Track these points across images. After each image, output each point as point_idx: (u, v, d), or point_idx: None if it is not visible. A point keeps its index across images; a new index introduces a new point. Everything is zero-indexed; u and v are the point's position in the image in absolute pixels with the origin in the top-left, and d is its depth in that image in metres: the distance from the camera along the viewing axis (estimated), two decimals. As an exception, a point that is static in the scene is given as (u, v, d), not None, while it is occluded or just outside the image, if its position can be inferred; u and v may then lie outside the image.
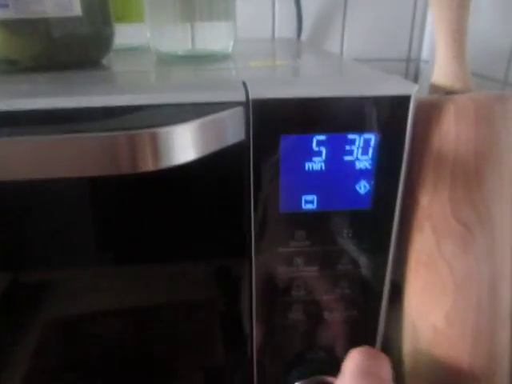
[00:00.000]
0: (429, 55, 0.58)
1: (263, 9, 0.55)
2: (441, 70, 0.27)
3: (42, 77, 0.28)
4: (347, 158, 0.24)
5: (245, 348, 0.30)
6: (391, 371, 0.22)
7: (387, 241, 0.27)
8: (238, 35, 0.39)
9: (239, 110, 0.23)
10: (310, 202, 0.25)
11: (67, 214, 0.27)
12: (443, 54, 0.26)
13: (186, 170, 0.22)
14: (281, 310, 0.29)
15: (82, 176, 0.21)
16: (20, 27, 0.28)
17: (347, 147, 0.24)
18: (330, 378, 0.29)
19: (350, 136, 0.24)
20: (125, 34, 0.40)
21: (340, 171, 0.25)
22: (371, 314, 0.29)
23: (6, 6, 0.26)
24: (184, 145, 0.21)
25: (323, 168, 0.25)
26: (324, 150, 0.24)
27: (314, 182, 0.25)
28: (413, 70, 0.61)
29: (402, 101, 0.23)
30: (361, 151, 0.24)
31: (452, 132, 0.24)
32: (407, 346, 0.29)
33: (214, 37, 0.35)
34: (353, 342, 0.30)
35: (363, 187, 0.25)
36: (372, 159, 0.25)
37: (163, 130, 0.20)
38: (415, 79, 0.61)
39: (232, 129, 0.23)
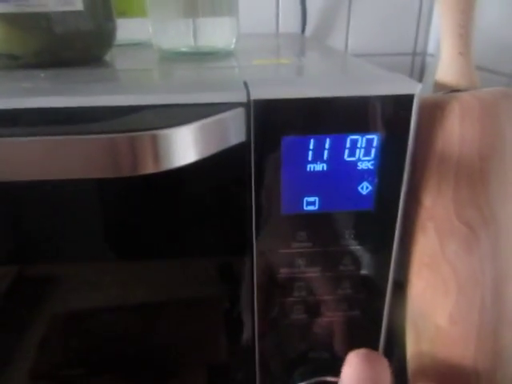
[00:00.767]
0: (435, 49, 0.57)
1: (267, 4, 0.55)
2: (446, 67, 0.26)
3: (44, 73, 0.28)
4: (349, 158, 0.24)
5: (247, 347, 0.30)
6: (390, 375, 0.22)
7: (390, 242, 0.27)
8: (242, 30, 0.38)
9: (240, 110, 0.22)
10: (311, 204, 0.25)
11: (72, 209, 0.27)
12: (448, 51, 0.26)
13: (187, 171, 0.21)
14: (283, 311, 0.29)
15: (81, 178, 0.21)
16: (21, 22, 0.27)
17: (349, 148, 0.24)
18: (332, 379, 0.29)
19: (352, 136, 0.24)
20: (127, 29, 0.40)
21: (342, 172, 0.25)
22: (374, 314, 0.29)
23: (6, 0, 0.26)
24: (185, 147, 0.21)
25: (325, 169, 0.24)
26: (326, 151, 0.24)
27: (315, 183, 0.25)
28: (419, 64, 0.60)
29: (406, 100, 0.23)
30: (363, 152, 0.24)
31: (456, 131, 0.23)
32: (411, 346, 0.29)
33: (216, 33, 0.35)
34: (356, 342, 0.30)
35: (365, 188, 0.25)
36: (374, 160, 0.24)
37: (164, 132, 0.20)
38: (421, 73, 0.61)
39: (233, 130, 0.23)
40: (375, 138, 0.24)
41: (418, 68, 0.60)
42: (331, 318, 0.29)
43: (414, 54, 0.59)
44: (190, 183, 0.26)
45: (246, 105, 0.22)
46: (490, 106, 0.23)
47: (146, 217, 0.27)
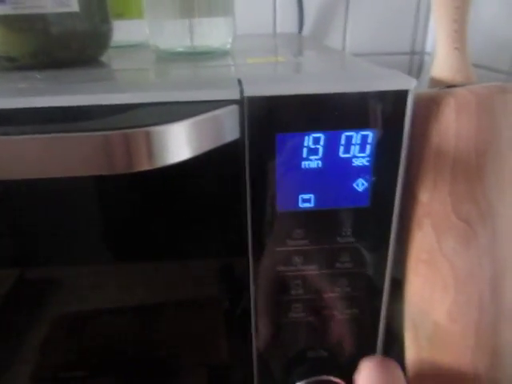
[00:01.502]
0: (433, 48, 0.57)
1: (265, 4, 0.55)
2: (441, 63, 0.26)
3: (40, 74, 0.28)
4: (344, 155, 0.24)
5: (246, 346, 0.30)
6: (404, 380, 0.22)
7: (387, 238, 0.27)
8: (240, 30, 0.39)
9: (234, 108, 0.22)
10: (307, 201, 0.25)
11: (72, 211, 0.27)
12: (444, 46, 0.26)
13: (182, 169, 0.21)
14: (280, 309, 0.29)
15: (76, 176, 0.21)
16: (17, 23, 0.28)
17: (344, 144, 0.24)
18: (332, 378, 0.29)
19: (347, 133, 0.24)
20: (125, 31, 0.40)
21: (337, 169, 0.24)
22: (372, 311, 0.29)
23: (2, 1, 0.26)
24: (179, 144, 0.21)
25: (320, 166, 0.24)
26: (321, 148, 0.24)
27: (311, 180, 0.25)
28: (417, 62, 0.60)
29: (400, 96, 0.23)
30: (358, 148, 0.24)
31: (452, 126, 0.23)
32: (409, 343, 0.29)
33: (212, 33, 0.35)
34: (354, 341, 0.30)
35: (361, 185, 0.25)
36: (370, 156, 0.24)
37: (158, 129, 0.20)
38: (419, 72, 0.60)
39: (227, 127, 0.23)
40: (370, 134, 0.24)
41: (416, 67, 0.60)
42: (329, 316, 0.29)
43: (413, 53, 0.59)
44: (185, 181, 0.26)
45: (240, 102, 0.22)
46: (485, 101, 0.23)
47: (142, 217, 0.27)
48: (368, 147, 0.24)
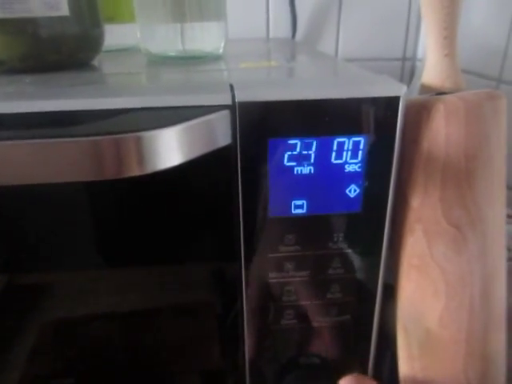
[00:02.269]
0: (425, 54, 0.58)
1: (258, 9, 0.55)
2: (431, 69, 0.26)
3: (29, 78, 0.28)
4: (336, 161, 0.24)
5: (238, 353, 0.30)
6: None
7: (379, 244, 0.27)
8: (233, 36, 0.39)
9: (226, 113, 0.22)
10: (299, 207, 0.25)
11: (63, 216, 0.26)
12: (434, 53, 0.26)
13: (174, 173, 0.21)
14: (272, 316, 0.28)
15: (64, 182, 0.20)
16: (6, 26, 0.27)
17: (336, 150, 0.24)
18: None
19: (339, 139, 0.24)
20: (116, 35, 0.40)
21: (329, 175, 0.24)
22: (365, 318, 0.29)
23: (-9, 5, 0.26)
24: (169, 149, 0.21)
25: (312, 172, 0.24)
26: (313, 154, 0.24)
27: (303, 186, 0.25)
28: (409, 68, 0.61)
29: (392, 102, 0.23)
30: (350, 154, 0.24)
31: (442, 132, 0.23)
32: (401, 350, 0.29)
33: (204, 37, 0.35)
34: (347, 347, 0.30)
35: (353, 191, 0.25)
36: (362, 162, 0.24)
37: (148, 134, 0.20)
38: (411, 78, 0.61)
39: (218, 132, 0.22)
40: (362, 140, 0.24)
41: (408, 73, 0.61)
42: (321, 322, 0.29)
43: (404, 59, 0.60)
44: (177, 187, 0.25)
45: (232, 107, 0.22)
46: (474, 107, 0.23)
47: (134, 222, 0.27)
48: (360, 153, 0.24)
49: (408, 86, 0.23)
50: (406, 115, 0.24)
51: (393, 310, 0.29)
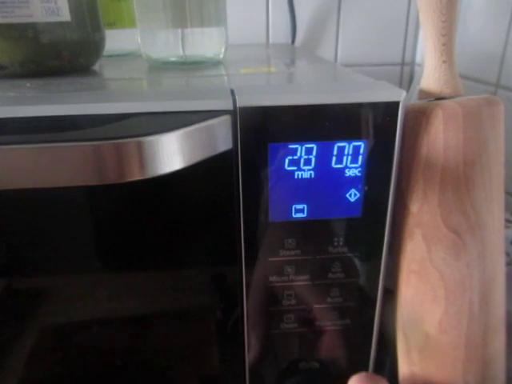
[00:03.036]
0: (423, 59, 0.58)
1: (258, 15, 0.55)
2: (430, 75, 0.26)
3: (30, 83, 0.28)
4: (337, 165, 0.24)
5: (238, 357, 0.30)
6: None
7: (379, 249, 0.27)
8: (233, 41, 0.39)
9: (227, 118, 0.22)
10: (300, 211, 0.25)
11: (63, 220, 0.26)
12: (432, 59, 0.26)
13: (175, 178, 0.21)
14: (272, 320, 0.28)
15: (66, 186, 0.21)
16: (7, 32, 0.27)
17: (336, 155, 0.24)
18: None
19: (339, 143, 0.24)
20: (117, 40, 0.40)
21: (330, 179, 0.25)
22: (365, 323, 0.29)
23: (-8, 10, 0.26)
24: (170, 154, 0.21)
25: (313, 176, 0.24)
26: (313, 158, 0.24)
27: (303, 190, 0.25)
28: (408, 73, 0.61)
29: (391, 107, 0.23)
30: (350, 159, 0.24)
31: (440, 138, 0.24)
32: (401, 355, 0.29)
33: (205, 43, 0.35)
34: (347, 352, 0.30)
35: (353, 195, 0.25)
36: (362, 166, 0.24)
37: (149, 139, 0.20)
38: (410, 83, 0.61)
39: (219, 137, 0.23)
40: (362, 144, 0.24)
41: (407, 78, 0.61)
42: (321, 327, 0.29)
43: (403, 64, 0.60)
44: (177, 191, 0.26)
45: (233, 112, 0.23)
46: (473, 112, 0.23)
47: (134, 226, 0.27)
48: (360, 158, 0.24)
49: (407, 91, 0.24)
50: (404, 120, 0.24)
51: (392, 315, 0.29)
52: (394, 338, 0.29)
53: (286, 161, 0.24)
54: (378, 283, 0.28)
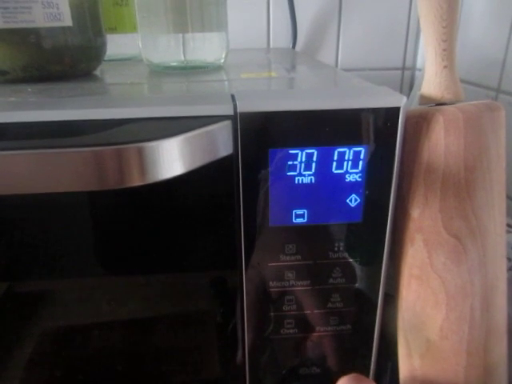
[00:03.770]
0: (424, 63, 0.58)
1: (259, 19, 0.56)
2: (430, 81, 0.26)
3: (32, 88, 0.28)
4: (337, 171, 0.24)
5: (238, 362, 0.30)
6: None
7: (380, 254, 0.27)
8: (234, 46, 0.39)
9: (227, 123, 0.23)
10: (300, 216, 0.25)
11: (64, 224, 0.26)
12: (433, 65, 0.26)
13: (176, 184, 0.21)
14: (272, 325, 0.28)
15: (67, 191, 0.21)
16: (9, 37, 0.28)
17: (337, 160, 0.24)
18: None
19: (340, 149, 0.24)
20: (119, 45, 0.40)
21: (330, 184, 0.25)
22: (366, 328, 0.29)
23: (-6, 16, 0.26)
24: (171, 159, 0.21)
25: (313, 182, 0.24)
26: (313, 164, 0.24)
27: (304, 195, 0.25)
28: (408, 78, 0.61)
29: (392, 113, 0.23)
30: (351, 164, 0.24)
31: (441, 143, 0.24)
32: (402, 360, 0.29)
33: (206, 47, 0.35)
34: (347, 357, 0.30)
35: (354, 200, 0.25)
36: (362, 172, 0.24)
37: (150, 145, 0.20)
38: (411, 88, 0.61)
39: (220, 143, 0.23)
40: (362, 150, 0.24)
41: (408, 82, 0.61)
42: (322, 332, 0.29)
43: (404, 68, 0.60)
44: (178, 196, 0.25)
45: (233, 117, 0.23)
46: (474, 118, 0.23)
47: (134, 231, 0.27)
48: (360, 163, 0.24)
49: (408, 96, 0.24)
50: (405, 126, 0.24)
51: (394, 320, 0.29)
52: (395, 343, 0.29)
53: (287, 166, 0.24)
54: (378, 288, 0.28)
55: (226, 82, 0.32)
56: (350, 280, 0.27)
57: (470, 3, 0.47)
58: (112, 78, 0.36)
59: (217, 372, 0.32)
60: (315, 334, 0.29)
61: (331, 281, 0.27)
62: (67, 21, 0.28)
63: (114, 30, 0.40)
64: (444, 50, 0.25)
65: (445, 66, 0.26)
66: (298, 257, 0.26)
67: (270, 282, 0.27)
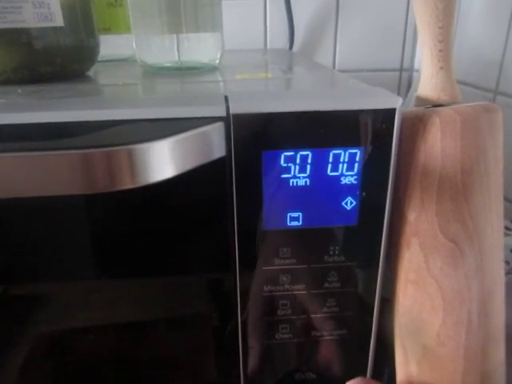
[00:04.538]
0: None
1: (255, 20, 0.55)
2: (427, 82, 0.26)
3: (22, 89, 0.28)
4: (332, 173, 0.24)
5: (234, 366, 0.30)
6: None
7: (376, 258, 0.26)
8: (231, 46, 0.39)
9: (220, 125, 0.22)
10: (295, 219, 0.25)
11: (58, 227, 0.26)
12: (429, 66, 0.26)
13: (169, 185, 0.21)
14: (267, 330, 0.28)
15: (56, 195, 0.20)
16: (-1, 37, 0.27)
17: (332, 162, 0.24)
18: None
19: (335, 151, 0.23)
20: (112, 45, 0.40)
21: (325, 187, 0.24)
22: (362, 333, 0.29)
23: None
24: (162, 161, 0.21)
25: (308, 184, 0.24)
26: (308, 166, 0.24)
27: (298, 198, 0.24)
28: (406, 79, 0.61)
29: (387, 114, 0.23)
30: (346, 166, 0.24)
31: (438, 145, 0.23)
32: (399, 366, 0.28)
33: (200, 48, 0.35)
34: (344, 363, 0.29)
35: (349, 203, 0.25)
36: (358, 174, 0.24)
37: (140, 147, 0.20)
38: (408, 89, 0.61)
39: (212, 145, 0.22)
40: (358, 152, 0.24)
41: (406, 84, 0.61)
42: (318, 337, 0.28)
43: (401, 69, 0.60)
44: (171, 199, 0.25)
45: (226, 119, 0.22)
46: (470, 120, 0.23)
47: (129, 234, 0.27)
48: (356, 165, 0.24)
49: (405, 97, 0.23)
50: (401, 128, 0.23)
51: (390, 325, 0.28)
52: (392, 348, 0.29)
53: (281, 168, 0.23)
54: (375, 292, 0.27)
55: (221, 83, 0.31)
56: (345, 284, 0.27)
57: (467, 3, 0.47)
58: (105, 78, 0.35)
59: (212, 376, 0.32)
60: (311, 338, 0.28)
61: (327, 285, 0.27)
62: (59, 21, 0.28)
63: (108, 30, 0.40)
64: (440, 50, 0.25)
65: (441, 67, 0.25)
66: (293, 260, 0.26)
67: (265, 286, 0.26)
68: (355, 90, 0.27)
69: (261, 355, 0.29)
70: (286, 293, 0.27)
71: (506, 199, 0.27)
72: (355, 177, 0.24)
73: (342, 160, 0.24)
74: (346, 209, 0.25)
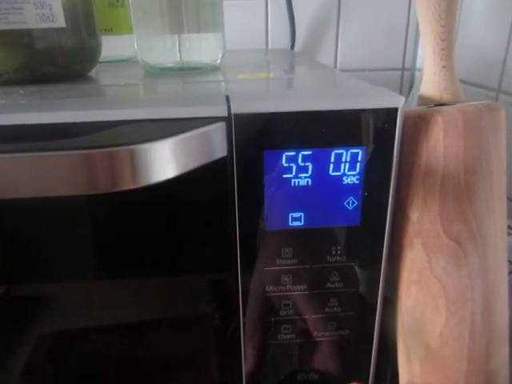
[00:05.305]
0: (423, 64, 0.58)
1: (257, 20, 0.55)
2: (429, 81, 0.26)
3: (24, 90, 0.28)
4: (334, 173, 0.24)
5: (236, 367, 0.29)
6: None
7: (378, 258, 0.26)
8: (232, 46, 0.39)
9: (221, 125, 0.22)
10: (297, 219, 0.25)
11: (60, 227, 0.26)
12: (432, 65, 0.26)
13: (170, 185, 0.21)
14: (269, 330, 0.28)
15: (57, 195, 0.20)
16: (1, 38, 0.27)
17: (334, 162, 0.23)
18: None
19: (337, 150, 0.23)
20: (114, 46, 0.40)
21: (327, 187, 0.24)
22: (364, 333, 0.28)
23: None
24: (164, 162, 0.20)
25: (310, 184, 0.24)
26: (310, 166, 0.23)
27: (300, 198, 0.24)
28: (408, 79, 0.61)
29: (390, 113, 0.23)
30: (348, 166, 0.24)
31: (440, 145, 0.23)
32: (402, 366, 0.28)
33: (202, 48, 0.35)
34: (346, 363, 0.29)
35: (352, 203, 0.25)
36: (360, 174, 0.24)
37: (142, 147, 0.20)
38: (411, 88, 0.61)
39: (214, 144, 0.22)
40: (360, 152, 0.23)
41: (408, 83, 0.61)
42: (320, 337, 0.28)
43: (403, 69, 0.60)
44: (173, 199, 0.25)
45: (227, 119, 0.22)
46: (473, 119, 0.23)
47: (130, 234, 0.27)
48: (358, 165, 0.24)
49: (407, 97, 0.23)
50: (403, 127, 0.23)
51: (393, 325, 0.28)
52: (395, 348, 0.29)
53: (283, 168, 0.23)
54: (377, 292, 0.27)
55: (222, 83, 0.31)
56: (348, 284, 0.27)
57: (469, 2, 0.47)
58: (107, 79, 0.35)
59: (214, 377, 0.32)
60: (313, 339, 0.28)
61: (329, 285, 0.27)
62: (60, 22, 0.28)
63: (109, 31, 0.40)
64: (443, 49, 0.25)
65: (443, 66, 0.25)
66: (295, 261, 0.26)
67: (267, 287, 0.26)
68: (357, 89, 0.27)
69: (263, 355, 0.29)
70: (288, 293, 0.27)
71: (509, 199, 0.27)
72: (357, 176, 0.24)
73: (343, 160, 0.24)
74: (348, 209, 0.25)
